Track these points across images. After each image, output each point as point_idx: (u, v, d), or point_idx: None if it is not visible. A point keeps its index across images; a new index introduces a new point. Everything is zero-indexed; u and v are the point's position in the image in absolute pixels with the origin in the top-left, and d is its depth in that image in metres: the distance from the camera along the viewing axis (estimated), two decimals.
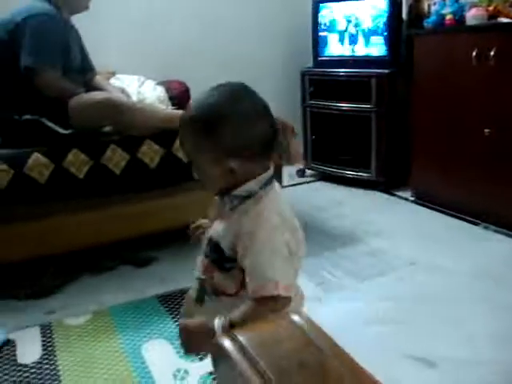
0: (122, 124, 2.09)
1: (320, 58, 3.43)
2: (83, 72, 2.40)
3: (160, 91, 2.80)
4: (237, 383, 0.53)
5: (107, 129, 2.19)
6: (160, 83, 2.90)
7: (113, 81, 2.77)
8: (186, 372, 1.56)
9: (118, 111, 2.05)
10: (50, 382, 1.54)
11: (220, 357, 0.58)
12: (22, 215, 2.02)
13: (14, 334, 1.80)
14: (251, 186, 0.93)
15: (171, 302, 1.97)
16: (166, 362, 1.62)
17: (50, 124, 2.04)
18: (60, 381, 1.55)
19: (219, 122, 0.89)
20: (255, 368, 0.51)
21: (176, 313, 1.88)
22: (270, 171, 0.95)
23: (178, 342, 1.69)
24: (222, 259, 0.94)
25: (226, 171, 0.91)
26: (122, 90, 2.56)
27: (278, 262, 0.87)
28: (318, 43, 3.42)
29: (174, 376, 1.55)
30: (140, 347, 1.69)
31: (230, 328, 0.83)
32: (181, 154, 2.21)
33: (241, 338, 0.56)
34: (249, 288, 0.88)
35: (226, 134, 0.89)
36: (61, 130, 2.04)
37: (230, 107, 0.90)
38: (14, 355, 1.69)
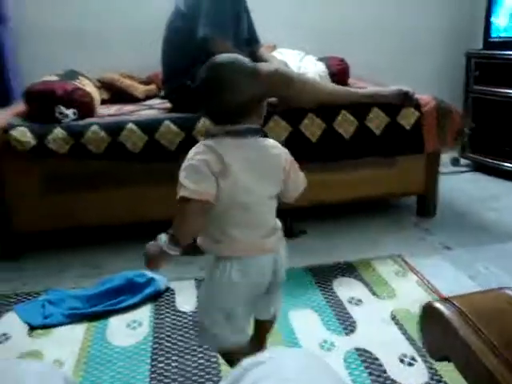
0: (289, 96, 2.13)
1: (491, 40, 3.18)
2: (250, 43, 2.49)
3: (321, 67, 2.80)
4: (454, 347, 0.52)
5: (272, 99, 2.24)
6: (320, 59, 2.90)
7: (274, 54, 2.83)
8: (332, 344, 1.58)
9: (288, 83, 2.09)
10: None
11: (432, 318, 0.57)
12: None
13: (173, 283, 1.95)
14: (212, 128, 1.18)
15: (321, 274, 1.99)
16: (312, 331, 1.65)
17: None
18: None
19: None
20: (477, 334, 0.49)
21: (324, 286, 1.90)
22: (239, 127, 1.14)
23: (325, 315, 1.72)
24: None
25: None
26: (285, 64, 2.60)
27: (188, 173, 1.11)
28: (489, 22, 3.16)
29: (321, 346, 1.57)
30: (287, 313, 1.74)
31: (172, 238, 1.11)
32: (341, 130, 2.21)
33: (459, 305, 0.54)
34: None
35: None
36: None
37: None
38: (174, 302, 1.84)
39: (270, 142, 1.22)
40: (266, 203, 1.22)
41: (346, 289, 1.89)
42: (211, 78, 1.16)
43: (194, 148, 1.16)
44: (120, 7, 3.10)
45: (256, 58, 2.45)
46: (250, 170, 1.15)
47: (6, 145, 2.04)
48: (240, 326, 1.25)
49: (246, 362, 0.72)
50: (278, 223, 1.29)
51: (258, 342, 1.39)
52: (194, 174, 1.11)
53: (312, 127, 2.20)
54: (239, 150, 1.14)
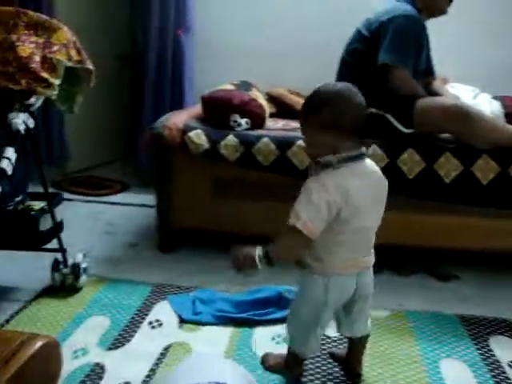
0: (467, 133, 2.03)
1: None
2: (426, 74, 2.41)
3: (496, 106, 2.64)
4: None
5: (446, 135, 2.15)
6: (496, 97, 2.73)
7: (447, 88, 2.72)
8: None
9: (468, 119, 2.00)
10: None
11: None
12: None
13: None
14: (330, 158, 1.24)
15: (474, 326, 1.85)
16: None
17: (393, 120, 2.10)
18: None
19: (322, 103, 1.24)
20: None
21: (479, 341, 1.76)
22: (353, 153, 1.25)
23: (481, 375, 1.59)
24: None
25: (317, 142, 1.26)
26: (458, 99, 2.49)
27: (307, 206, 1.19)
28: None
29: None
30: (439, 362, 1.63)
31: (266, 256, 1.24)
32: None
33: None
34: None
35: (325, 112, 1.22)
36: (403, 129, 2.09)
37: (333, 95, 1.25)
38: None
39: (373, 164, 1.34)
40: (376, 225, 1.34)
41: (506, 350, 1.72)
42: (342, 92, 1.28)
43: (318, 178, 1.24)
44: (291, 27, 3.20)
45: (429, 90, 2.37)
46: (368, 197, 1.26)
47: (181, 145, 2.18)
48: (320, 336, 1.44)
49: None
50: None
51: (353, 363, 1.54)
52: (313, 210, 1.19)
53: (485, 169, 2.06)
54: (358, 177, 1.25)
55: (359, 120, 1.27)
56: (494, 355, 1.69)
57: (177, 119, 2.28)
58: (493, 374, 1.59)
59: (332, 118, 1.22)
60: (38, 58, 1.67)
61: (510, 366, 1.64)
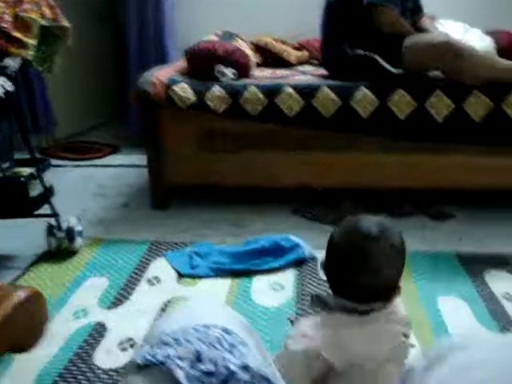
0: (457, 69, 1.99)
1: None
2: (414, 12, 2.35)
3: (487, 41, 2.58)
4: None
5: (435, 73, 2.11)
6: (488, 33, 2.67)
7: (436, 25, 2.65)
8: None
9: (458, 55, 1.95)
10: None
11: None
12: (336, 144, 2.15)
13: (317, 252, 1.93)
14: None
15: (471, 263, 1.86)
16: (464, 324, 1.54)
17: (381, 61, 2.05)
18: None
19: None
20: None
21: (475, 276, 1.78)
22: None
23: (477, 307, 1.61)
24: None
25: None
26: (447, 36, 2.42)
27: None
28: None
29: None
30: (436, 298, 1.65)
31: None
32: (510, 111, 2.02)
33: None
34: None
35: None
36: (391, 69, 2.04)
37: None
38: (316, 271, 1.82)
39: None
40: None
41: (501, 283, 1.74)
42: (355, 250, 0.96)
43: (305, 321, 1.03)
44: None
45: (417, 28, 2.31)
46: None
47: (167, 100, 2.13)
48: None
49: (443, 344, 0.67)
50: None
51: None
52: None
53: (477, 106, 2.03)
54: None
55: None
56: (489, 289, 1.71)
57: (161, 74, 2.22)
58: (489, 306, 1.61)
59: None
60: (8, 17, 1.61)
61: (505, 298, 1.66)
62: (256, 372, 0.56)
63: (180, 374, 0.56)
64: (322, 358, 0.93)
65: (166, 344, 0.63)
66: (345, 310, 0.97)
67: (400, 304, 1.03)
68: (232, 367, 0.56)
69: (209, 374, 0.56)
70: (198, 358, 0.60)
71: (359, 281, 0.95)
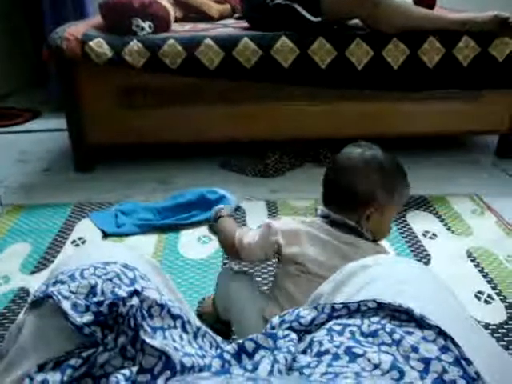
0: (375, 17, 2.00)
1: None
2: None
3: None
4: None
5: (355, 21, 2.12)
6: None
7: None
8: None
9: (375, 3, 1.95)
10: None
11: None
12: (260, 95, 2.15)
13: (243, 203, 1.95)
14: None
15: None
16: None
17: (300, 10, 2.03)
18: None
19: None
20: None
21: (398, 217, 1.84)
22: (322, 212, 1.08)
23: (398, 245, 1.67)
24: None
25: None
26: None
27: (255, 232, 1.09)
28: None
29: None
30: None
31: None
32: (426, 58, 2.07)
33: None
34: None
35: None
36: (311, 18, 2.03)
37: None
38: (244, 220, 1.84)
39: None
40: None
41: (421, 222, 1.82)
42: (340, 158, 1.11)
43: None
44: None
45: None
46: None
47: (83, 57, 2.04)
48: None
49: (350, 266, 0.69)
50: None
51: None
52: (257, 235, 1.11)
53: (395, 53, 2.06)
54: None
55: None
56: (410, 228, 1.78)
57: (74, 30, 2.11)
58: (409, 244, 1.69)
59: None
60: None
61: (423, 235, 1.74)
62: (147, 297, 0.54)
63: (66, 305, 0.54)
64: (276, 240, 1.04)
65: (60, 282, 0.60)
66: (321, 216, 1.07)
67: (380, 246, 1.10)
68: (120, 293, 0.54)
69: (98, 303, 0.55)
70: (92, 291, 0.58)
71: (336, 183, 1.07)
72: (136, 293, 0.54)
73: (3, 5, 3.36)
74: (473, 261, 1.60)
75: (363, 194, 1.03)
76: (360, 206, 1.03)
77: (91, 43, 2.02)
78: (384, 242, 1.65)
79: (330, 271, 0.75)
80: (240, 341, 0.53)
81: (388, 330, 0.52)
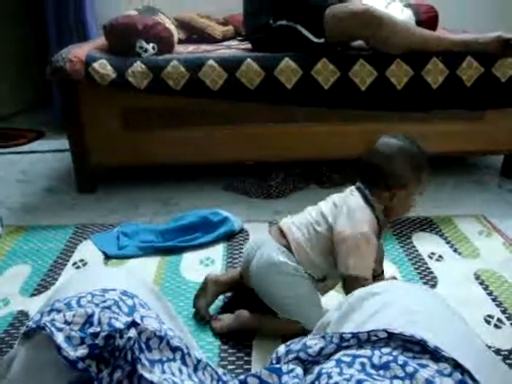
0: (379, 38, 2.00)
1: None
2: None
3: (407, 14, 2.62)
4: None
5: (359, 42, 2.13)
6: (408, 5, 2.72)
7: None
8: None
9: (379, 24, 1.96)
10: None
11: None
12: (264, 117, 2.14)
13: (247, 224, 1.93)
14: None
15: (398, 226, 1.91)
16: None
17: (304, 31, 2.04)
18: None
19: None
20: None
21: (403, 239, 1.82)
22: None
23: (404, 267, 1.64)
24: None
25: None
26: (367, 5, 2.45)
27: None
28: None
29: None
30: None
31: None
32: (430, 79, 2.07)
33: None
34: None
35: None
36: (314, 39, 2.03)
37: None
38: (245, 243, 1.81)
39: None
40: None
41: (427, 244, 1.79)
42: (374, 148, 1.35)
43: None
44: None
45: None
46: None
47: (86, 78, 2.04)
48: None
49: (360, 292, 0.67)
50: None
51: None
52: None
53: (399, 73, 2.06)
54: None
55: None
56: (416, 250, 1.76)
57: (78, 51, 2.12)
58: (415, 266, 1.66)
59: None
60: None
61: (429, 257, 1.71)
62: (146, 328, 0.52)
63: (59, 337, 0.51)
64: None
65: (56, 310, 0.58)
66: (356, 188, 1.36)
67: None
68: (117, 325, 0.52)
69: (94, 334, 0.52)
70: (89, 321, 0.56)
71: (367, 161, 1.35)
72: (134, 324, 0.52)
73: (9, 28, 3.39)
74: (481, 283, 1.57)
75: (392, 175, 1.26)
76: (388, 186, 1.27)
77: (95, 64, 2.03)
78: (390, 265, 1.64)
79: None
80: (242, 376, 0.51)
81: (400, 362, 0.49)
